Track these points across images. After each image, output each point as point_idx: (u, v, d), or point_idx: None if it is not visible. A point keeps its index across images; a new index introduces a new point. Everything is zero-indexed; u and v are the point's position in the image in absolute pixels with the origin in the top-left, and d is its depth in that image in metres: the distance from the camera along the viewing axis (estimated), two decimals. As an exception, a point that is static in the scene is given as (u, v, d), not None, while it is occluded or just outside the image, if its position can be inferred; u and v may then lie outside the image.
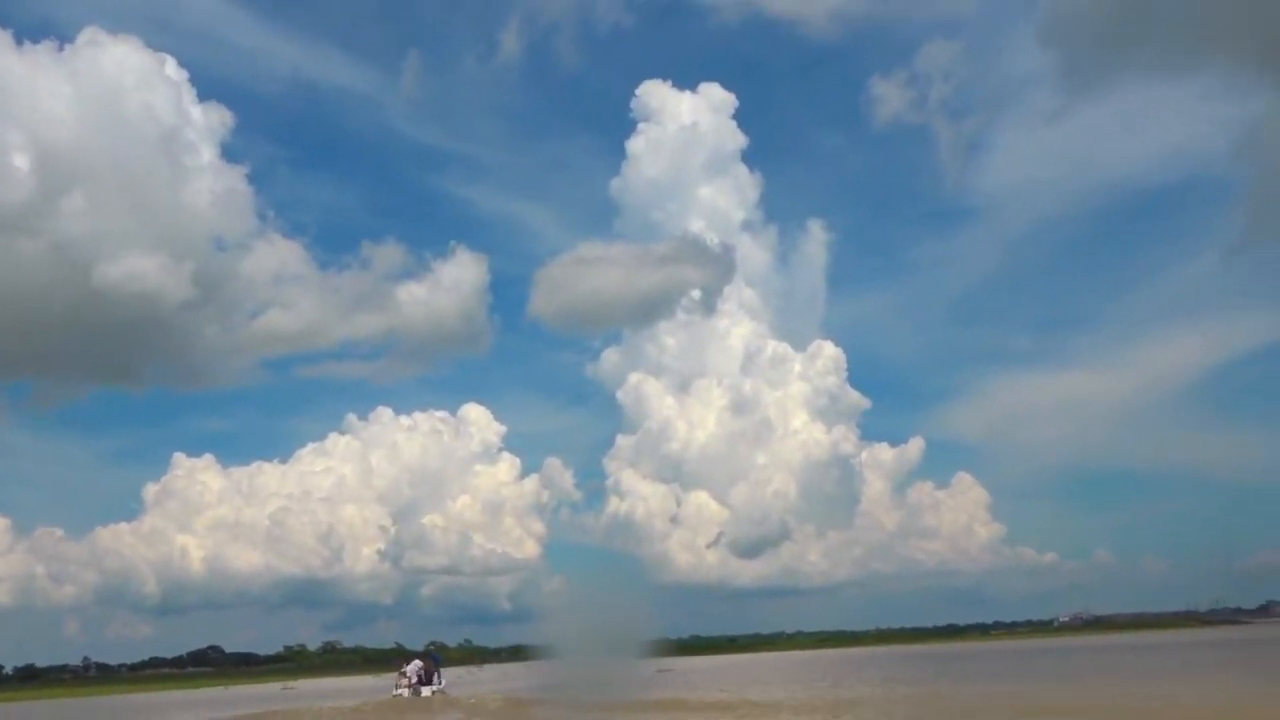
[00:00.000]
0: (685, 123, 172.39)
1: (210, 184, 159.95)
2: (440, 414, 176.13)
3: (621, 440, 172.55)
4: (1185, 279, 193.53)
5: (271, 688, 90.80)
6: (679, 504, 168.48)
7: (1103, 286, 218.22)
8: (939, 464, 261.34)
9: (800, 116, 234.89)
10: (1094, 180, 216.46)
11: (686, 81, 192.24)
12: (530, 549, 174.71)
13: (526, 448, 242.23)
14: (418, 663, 56.01)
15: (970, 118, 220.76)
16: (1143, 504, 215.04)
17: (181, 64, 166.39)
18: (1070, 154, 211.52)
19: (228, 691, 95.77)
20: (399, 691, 52.64)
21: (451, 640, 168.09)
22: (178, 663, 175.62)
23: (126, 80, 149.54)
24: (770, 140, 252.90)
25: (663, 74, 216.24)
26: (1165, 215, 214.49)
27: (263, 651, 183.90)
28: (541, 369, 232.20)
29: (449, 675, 62.82)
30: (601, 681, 39.15)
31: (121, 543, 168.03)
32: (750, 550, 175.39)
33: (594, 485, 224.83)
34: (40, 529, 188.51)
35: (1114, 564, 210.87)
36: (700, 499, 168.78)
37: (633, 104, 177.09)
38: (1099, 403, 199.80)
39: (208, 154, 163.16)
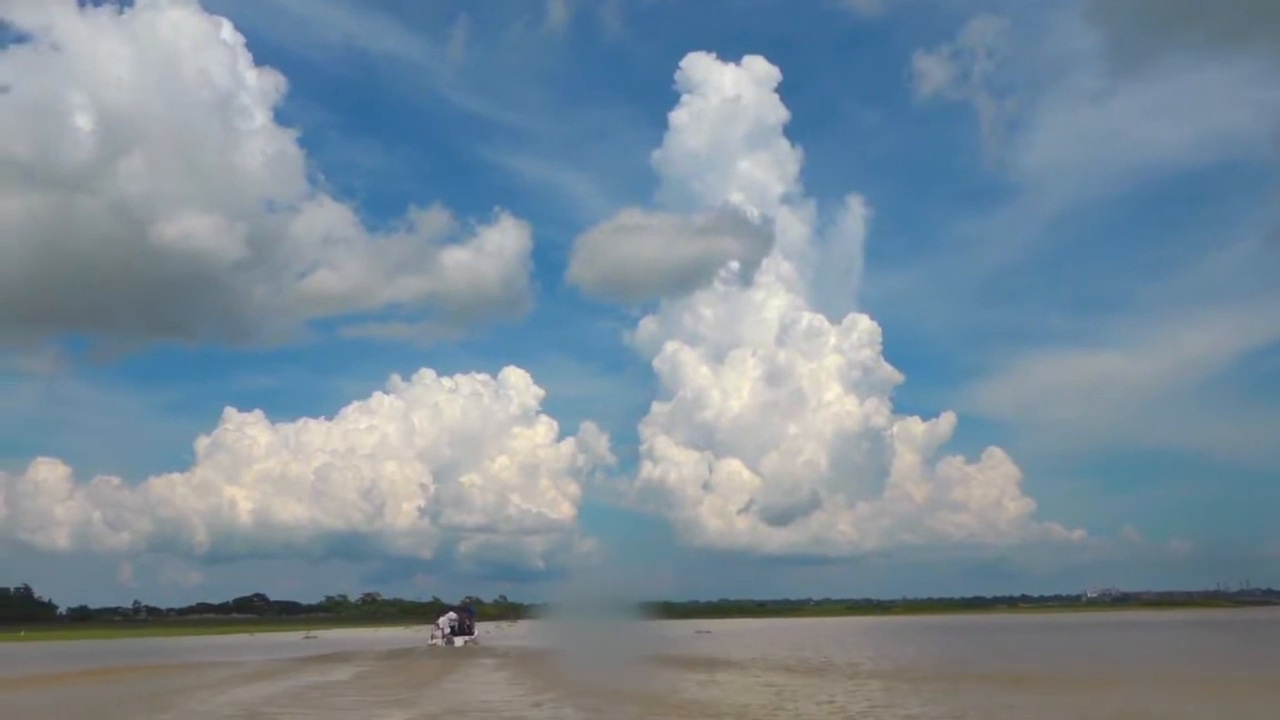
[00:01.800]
0: (728, 95, 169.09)
1: (263, 147, 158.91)
2: (481, 376, 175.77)
3: (657, 407, 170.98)
4: (1221, 264, 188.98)
5: (295, 636, 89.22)
6: (711, 471, 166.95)
7: (1138, 269, 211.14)
8: (970, 439, 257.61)
9: (843, 91, 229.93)
10: (1134, 162, 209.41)
11: (731, 54, 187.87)
12: (565, 510, 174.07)
13: (564, 412, 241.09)
14: (452, 615, 57.65)
15: (1013, 95, 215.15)
16: (1171, 485, 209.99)
17: (238, 28, 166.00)
18: (1112, 135, 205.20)
19: (253, 638, 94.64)
20: (434, 641, 53.61)
21: (487, 596, 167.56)
22: (223, 609, 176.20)
23: (183, 44, 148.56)
24: (812, 114, 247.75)
25: (707, 46, 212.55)
26: (1205, 199, 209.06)
27: (305, 601, 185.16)
28: (580, 335, 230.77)
29: (481, 629, 62.54)
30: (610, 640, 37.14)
31: (174, 492, 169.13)
32: (780, 518, 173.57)
33: (628, 450, 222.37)
34: (98, 477, 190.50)
35: (1141, 543, 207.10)
36: (732, 466, 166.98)
37: (676, 75, 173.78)
38: (1131, 384, 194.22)
39: (261, 117, 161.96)
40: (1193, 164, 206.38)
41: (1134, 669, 30.93)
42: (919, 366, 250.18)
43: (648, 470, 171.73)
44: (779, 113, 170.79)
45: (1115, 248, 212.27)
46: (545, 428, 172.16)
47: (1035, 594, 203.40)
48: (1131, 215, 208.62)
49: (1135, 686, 23.28)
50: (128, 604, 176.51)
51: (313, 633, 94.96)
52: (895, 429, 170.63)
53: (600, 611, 40.25)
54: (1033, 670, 29.25)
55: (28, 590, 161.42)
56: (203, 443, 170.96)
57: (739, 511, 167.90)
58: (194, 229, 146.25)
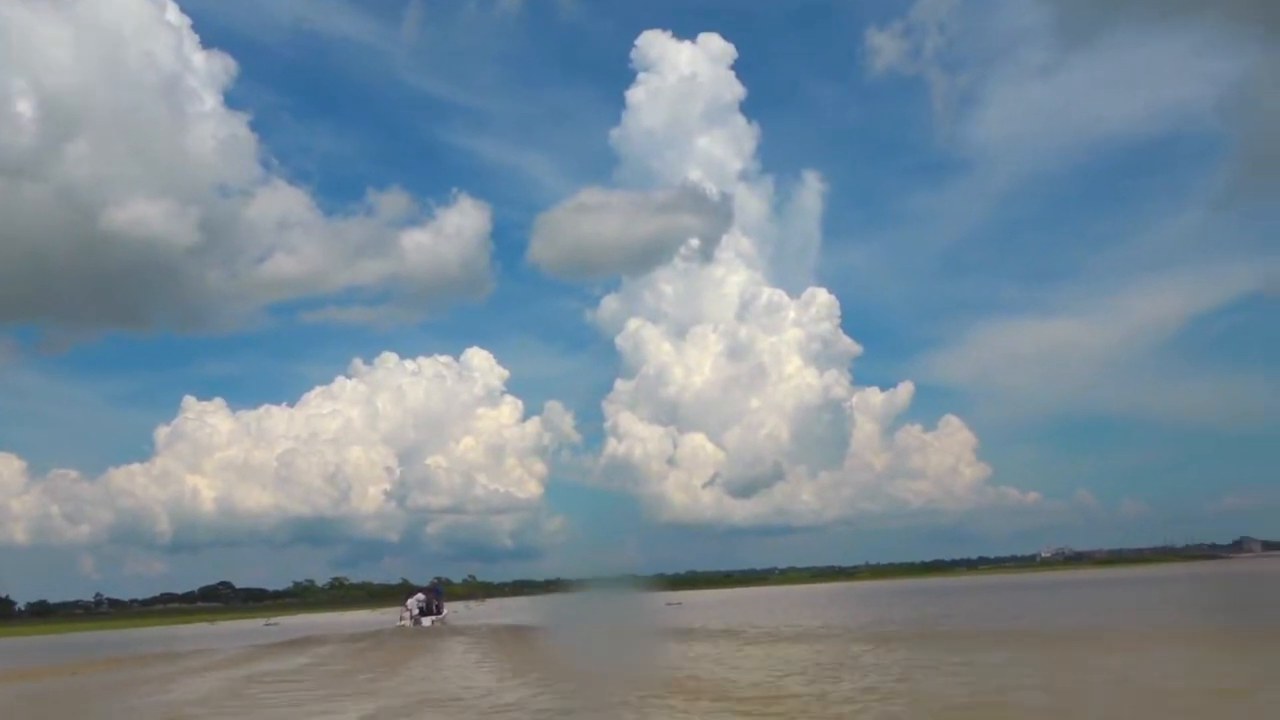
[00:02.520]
0: (684, 73, 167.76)
1: (214, 131, 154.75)
2: (444, 358, 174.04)
3: (620, 384, 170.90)
4: (1169, 232, 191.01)
5: (256, 623, 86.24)
6: (676, 446, 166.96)
7: (1089, 239, 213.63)
8: (927, 408, 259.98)
9: (798, 67, 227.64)
10: (1083, 134, 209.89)
11: (686, 32, 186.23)
12: (531, 489, 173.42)
13: (528, 391, 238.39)
14: (420, 595, 57.24)
15: (964, 71, 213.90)
16: (1122, 448, 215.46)
17: (184, 10, 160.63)
18: (1061, 108, 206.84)
19: (214, 626, 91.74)
20: (402, 622, 52.88)
21: (456, 576, 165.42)
22: (188, 598, 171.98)
23: (127, 26, 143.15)
24: (768, 91, 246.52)
25: (662, 24, 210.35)
26: (1152, 170, 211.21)
27: (272, 587, 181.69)
28: (542, 314, 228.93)
29: (449, 608, 61.63)
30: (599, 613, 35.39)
31: (134, 483, 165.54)
32: (744, 490, 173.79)
33: (593, 428, 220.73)
34: (55, 470, 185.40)
35: (1094, 504, 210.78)
36: (696, 441, 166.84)
37: (632, 54, 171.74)
38: (1083, 351, 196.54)
39: (210, 101, 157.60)
40: (1141, 135, 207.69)
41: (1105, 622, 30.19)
42: (877, 338, 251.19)
43: (612, 447, 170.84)
44: (735, 89, 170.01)
45: (1066, 218, 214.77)
46: (510, 408, 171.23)
47: (993, 556, 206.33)
48: (1082, 187, 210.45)
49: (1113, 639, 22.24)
50: (89, 597, 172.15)
51: (274, 619, 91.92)
52: (855, 400, 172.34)
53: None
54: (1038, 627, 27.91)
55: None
56: (162, 432, 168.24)
57: (704, 485, 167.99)
58: (145, 215, 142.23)
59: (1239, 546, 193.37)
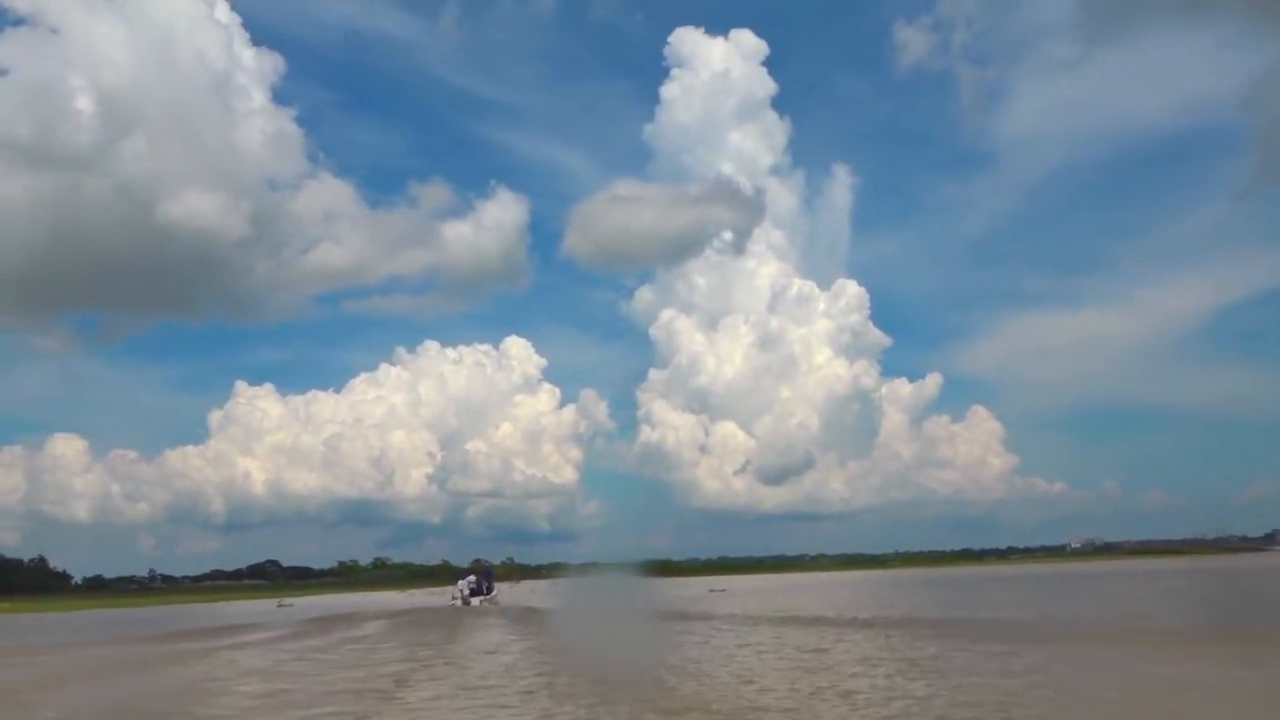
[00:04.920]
0: (717, 69, 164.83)
1: (262, 126, 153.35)
2: (484, 347, 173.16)
3: (653, 373, 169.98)
4: (1195, 224, 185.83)
5: (268, 604, 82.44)
6: (707, 434, 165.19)
7: (1116, 230, 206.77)
8: (955, 399, 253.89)
9: (828, 63, 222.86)
10: (1109, 127, 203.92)
11: (719, 28, 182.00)
12: (568, 474, 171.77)
13: (565, 379, 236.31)
14: (472, 577, 56.99)
15: (991, 64, 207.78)
16: (1150, 438, 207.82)
17: (234, 9, 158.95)
18: (1087, 101, 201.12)
19: (230, 606, 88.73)
20: (454, 602, 52.70)
21: (494, 558, 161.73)
22: (236, 575, 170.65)
23: (179, 25, 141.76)
24: (799, 86, 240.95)
25: (695, 21, 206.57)
26: (1177, 161, 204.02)
27: (318, 566, 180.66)
28: (579, 305, 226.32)
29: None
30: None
31: (189, 465, 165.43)
32: (775, 477, 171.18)
33: (627, 415, 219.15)
34: (115, 451, 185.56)
35: (1121, 494, 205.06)
36: (728, 429, 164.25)
37: (666, 50, 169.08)
38: (1110, 342, 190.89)
39: (259, 97, 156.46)
40: (1167, 128, 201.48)
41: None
42: (906, 330, 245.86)
43: (646, 434, 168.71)
44: (766, 85, 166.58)
45: (1093, 211, 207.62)
46: (547, 395, 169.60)
47: (1021, 545, 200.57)
48: (1108, 179, 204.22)
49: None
50: (144, 573, 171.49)
51: (286, 600, 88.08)
52: (884, 390, 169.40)
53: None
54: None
55: (42, 561, 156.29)
56: (216, 416, 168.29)
57: (735, 472, 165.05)
58: (198, 208, 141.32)
59: (1271, 538, 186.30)
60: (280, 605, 76.61)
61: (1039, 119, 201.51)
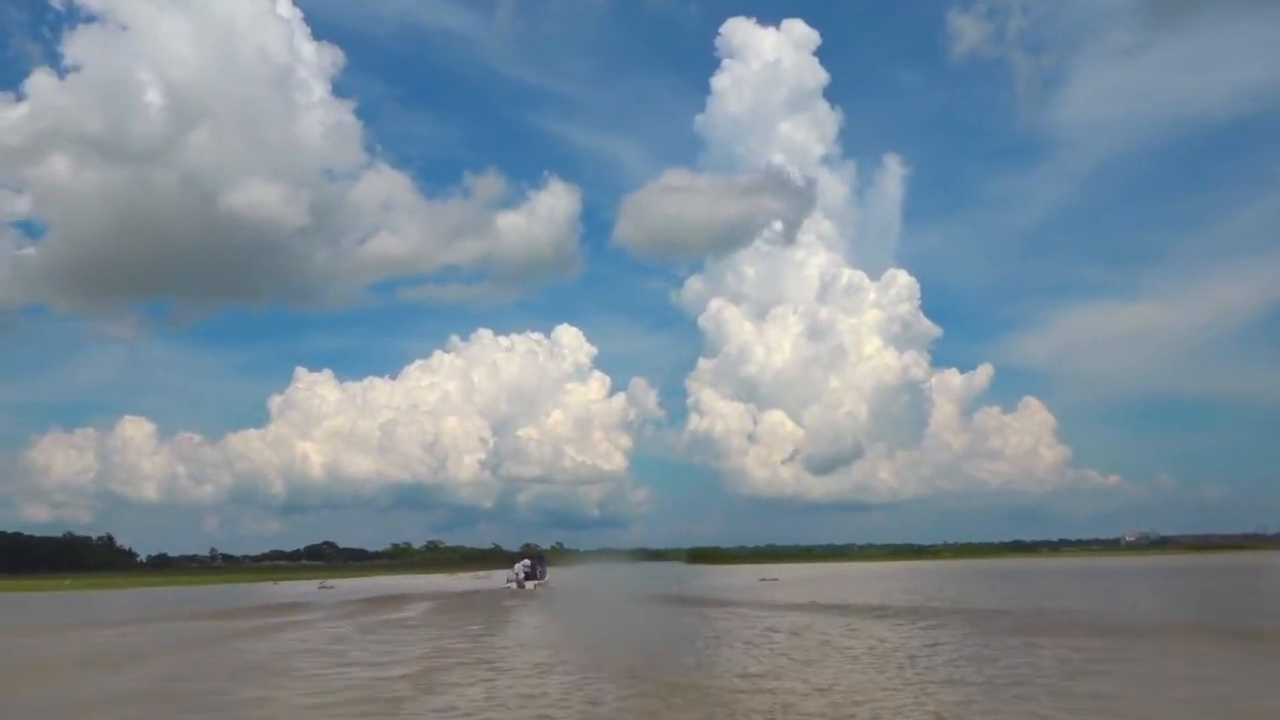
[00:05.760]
0: (768, 59, 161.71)
1: (322, 118, 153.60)
2: (535, 335, 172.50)
3: (703, 363, 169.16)
4: (1254, 215, 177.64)
5: (309, 585, 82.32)
6: (756, 423, 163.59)
7: (1174, 221, 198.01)
8: (1007, 390, 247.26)
9: (880, 53, 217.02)
10: (1169, 116, 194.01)
11: (770, 18, 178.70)
12: (617, 461, 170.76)
13: (615, 368, 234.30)
14: (526, 561, 57.40)
15: (1048, 52, 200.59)
16: (1205, 431, 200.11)
17: (295, 4, 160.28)
18: (1145, 89, 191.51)
19: (276, 586, 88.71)
20: (509, 584, 53.90)
21: (544, 543, 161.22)
22: (294, 556, 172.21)
23: (242, 20, 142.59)
24: (850, 76, 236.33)
25: (747, 11, 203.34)
26: (1238, 151, 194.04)
27: (372, 548, 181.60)
28: (629, 294, 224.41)
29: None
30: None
31: (251, 448, 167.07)
32: (823, 467, 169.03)
33: (676, 404, 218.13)
34: (181, 434, 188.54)
35: (1175, 487, 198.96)
36: (776, 418, 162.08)
37: (717, 41, 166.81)
38: (1165, 334, 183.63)
39: (319, 90, 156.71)
40: (1227, 117, 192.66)
41: None
42: (957, 320, 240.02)
43: (695, 423, 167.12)
44: (818, 75, 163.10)
45: (1150, 201, 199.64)
46: (597, 383, 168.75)
47: (1073, 538, 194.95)
48: (1166, 168, 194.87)
49: None
50: (206, 552, 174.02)
51: (328, 582, 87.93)
52: (933, 381, 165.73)
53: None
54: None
55: (109, 539, 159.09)
56: (276, 401, 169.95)
57: (783, 461, 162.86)
58: (260, 198, 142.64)
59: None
60: (322, 587, 77.24)
61: (1095, 108, 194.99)
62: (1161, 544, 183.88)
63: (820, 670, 14.87)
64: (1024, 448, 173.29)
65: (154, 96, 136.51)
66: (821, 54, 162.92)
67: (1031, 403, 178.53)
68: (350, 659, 19.15)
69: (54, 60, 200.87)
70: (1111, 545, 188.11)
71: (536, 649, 19.45)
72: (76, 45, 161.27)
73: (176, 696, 14.28)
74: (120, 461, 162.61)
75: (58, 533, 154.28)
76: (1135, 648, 16.12)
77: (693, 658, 17.11)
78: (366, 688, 14.38)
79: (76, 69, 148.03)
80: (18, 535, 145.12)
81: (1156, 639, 17.76)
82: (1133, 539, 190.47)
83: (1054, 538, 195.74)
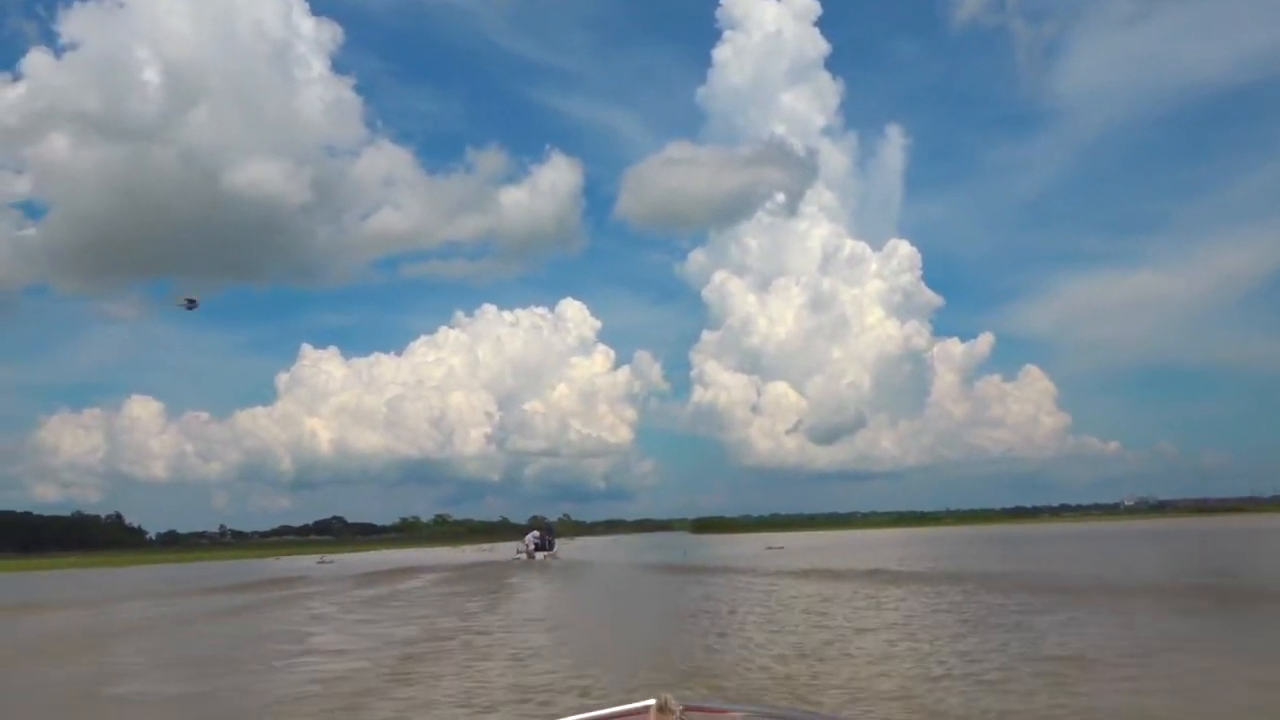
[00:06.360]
0: (769, 30, 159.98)
1: (321, 94, 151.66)
2: (540, 310, 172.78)
3: (706, 334, 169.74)
4: (1257, 182, 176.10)
5: (311, 560, 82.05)
6: (760, 394, 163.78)
7: (1175, 189, 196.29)
8: (1008, 358, 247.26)
9: (880, 23, 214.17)
10: (1170, 84, 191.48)
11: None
12: (622, 434, 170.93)
13: (619, 341, 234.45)
14: (536, 533, 58.36)
15: (1048, 20, 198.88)
16: (1204, 398, 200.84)
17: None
18: (1147, 57, 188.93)
19: (278, 562, 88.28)
20: (519, 555, 54.17)
21: (551, 515, 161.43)
22: (303, 531, 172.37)
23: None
24: (851, 47, 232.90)
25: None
26: (1239, 119, 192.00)
27: (381, 522, 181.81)
28: (633, 268, 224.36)
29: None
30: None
31: (258, 425, 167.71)
32: (827, 437, 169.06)
33: (680, 376, 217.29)
34: (189, 412, 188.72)
35: (1175, 453, 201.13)
36: (780, 389, 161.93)
37: (718, 13, 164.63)
38: (1166, 302, 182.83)
39: (318, 66, 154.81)
40: (1228, 84, 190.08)
41: None
42: (958, 290, 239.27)
43: (699, 395, 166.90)
44: (819, 46, 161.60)
45: (1151, 169, 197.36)
46: (602, 357, 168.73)
47: (1073, 503, 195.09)
48: (1167, 136, 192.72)
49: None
50: (215, 528, 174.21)
51: (327, 557, 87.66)
52: (935, 350, 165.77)
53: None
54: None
55: (118, 517, 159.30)
56: (283, 378, 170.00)
57: (787, 431, 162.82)
58: (261, 175, 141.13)
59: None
60: (321, 561, 77.23)
61: (1096, 76, 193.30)
62: (1160, 508, 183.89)
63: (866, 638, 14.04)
64: (1025, 416, 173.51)
65: (152, 74, 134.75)
66: (822, 24, 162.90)
67: (1032, 371, 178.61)
68: (314, 645, 18.17)
69: (50, 39, 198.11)
70: (1111, 510, 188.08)
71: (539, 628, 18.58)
72: (73, 23, 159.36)
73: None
74: (128, 440, 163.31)
75: (67, 512, 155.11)
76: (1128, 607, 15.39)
77: (709, 635, 16.22)
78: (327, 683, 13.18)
79: (73, 47, 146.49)
80: (28, 515, 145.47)
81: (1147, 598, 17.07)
82: (1131, 504, 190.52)
83: (1055, 503, 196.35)
